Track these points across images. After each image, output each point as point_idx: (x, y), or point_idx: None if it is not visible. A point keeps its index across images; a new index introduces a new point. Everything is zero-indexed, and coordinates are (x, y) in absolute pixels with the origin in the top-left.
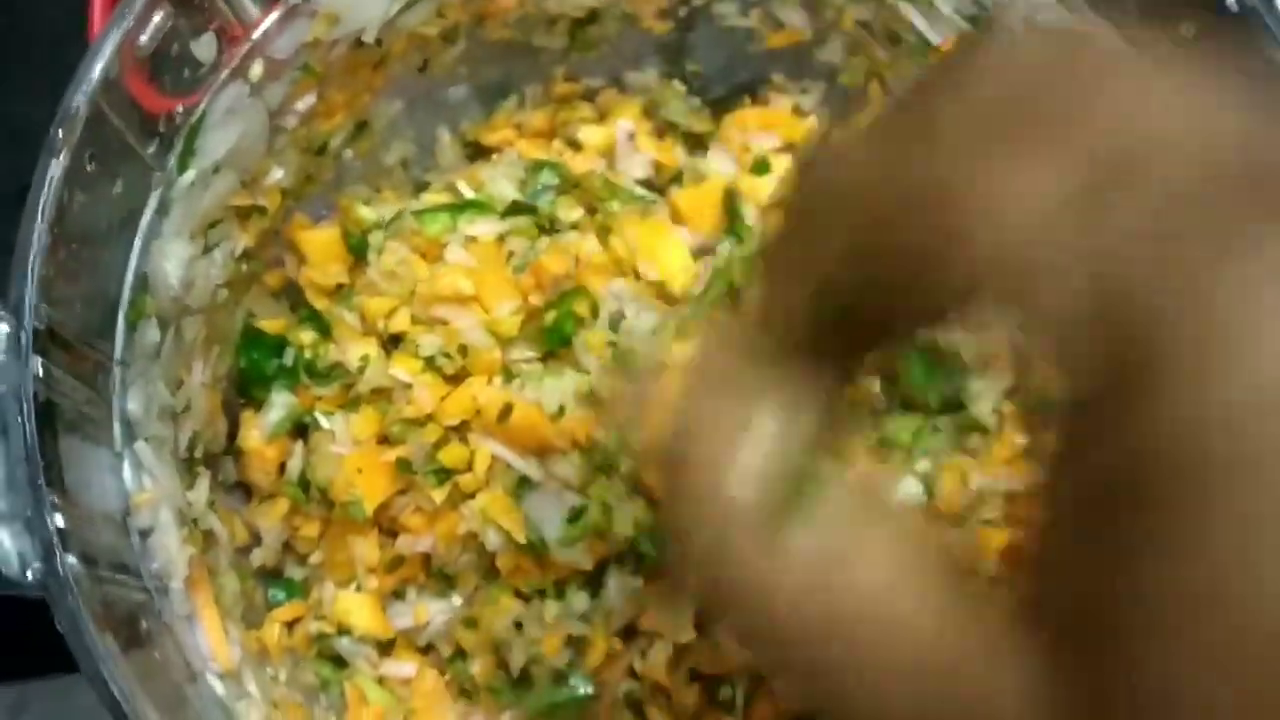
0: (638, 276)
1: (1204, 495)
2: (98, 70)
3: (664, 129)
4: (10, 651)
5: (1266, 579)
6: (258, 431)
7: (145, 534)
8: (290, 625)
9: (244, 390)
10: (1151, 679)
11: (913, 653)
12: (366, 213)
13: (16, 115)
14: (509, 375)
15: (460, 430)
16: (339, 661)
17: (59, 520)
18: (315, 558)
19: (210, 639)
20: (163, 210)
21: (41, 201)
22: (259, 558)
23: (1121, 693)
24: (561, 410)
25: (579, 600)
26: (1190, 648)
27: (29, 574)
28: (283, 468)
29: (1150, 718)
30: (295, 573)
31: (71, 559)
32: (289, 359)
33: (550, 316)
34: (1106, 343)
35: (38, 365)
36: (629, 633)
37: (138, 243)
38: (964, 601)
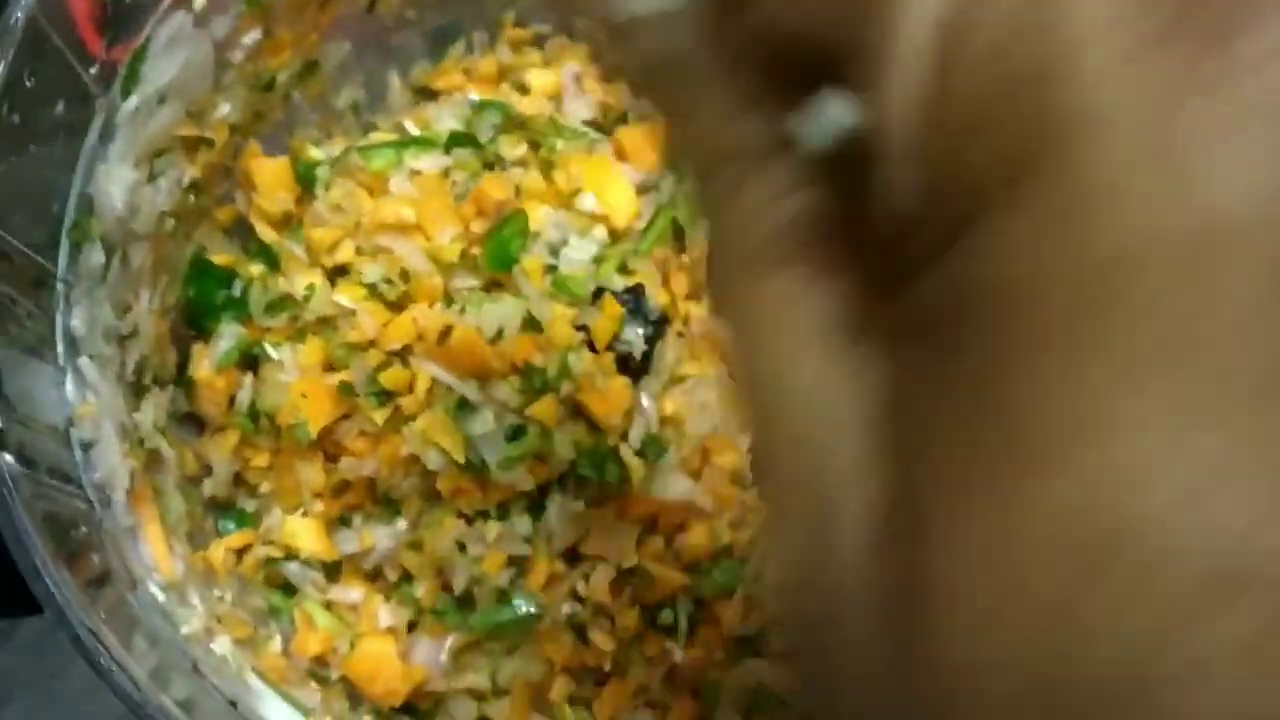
0: (579, 210)
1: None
2: None
3: (612, 72)
4: None
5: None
6: (207, 362)
7: (88, 446)
8: (239, 553)
9: (193, 321)
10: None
11: (798, 429)
12: (316, 153)
13: None
14: (450, 301)
15: (402, 355)
16: (288, 589)
17: None
18: (266, 486)
19: (153, 551)
20: (107, 134)
21: None
22: (210, 488)
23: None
24: (500, 334)
25: (521, 522)
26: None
27: None
28: (233, 401)
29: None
30: (247, 504)
31: (8, 457)
32: (237, 290)
33: (497, 237)
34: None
35: None
36: (572, 556)
37: (81, 165)
38: (849, 383)
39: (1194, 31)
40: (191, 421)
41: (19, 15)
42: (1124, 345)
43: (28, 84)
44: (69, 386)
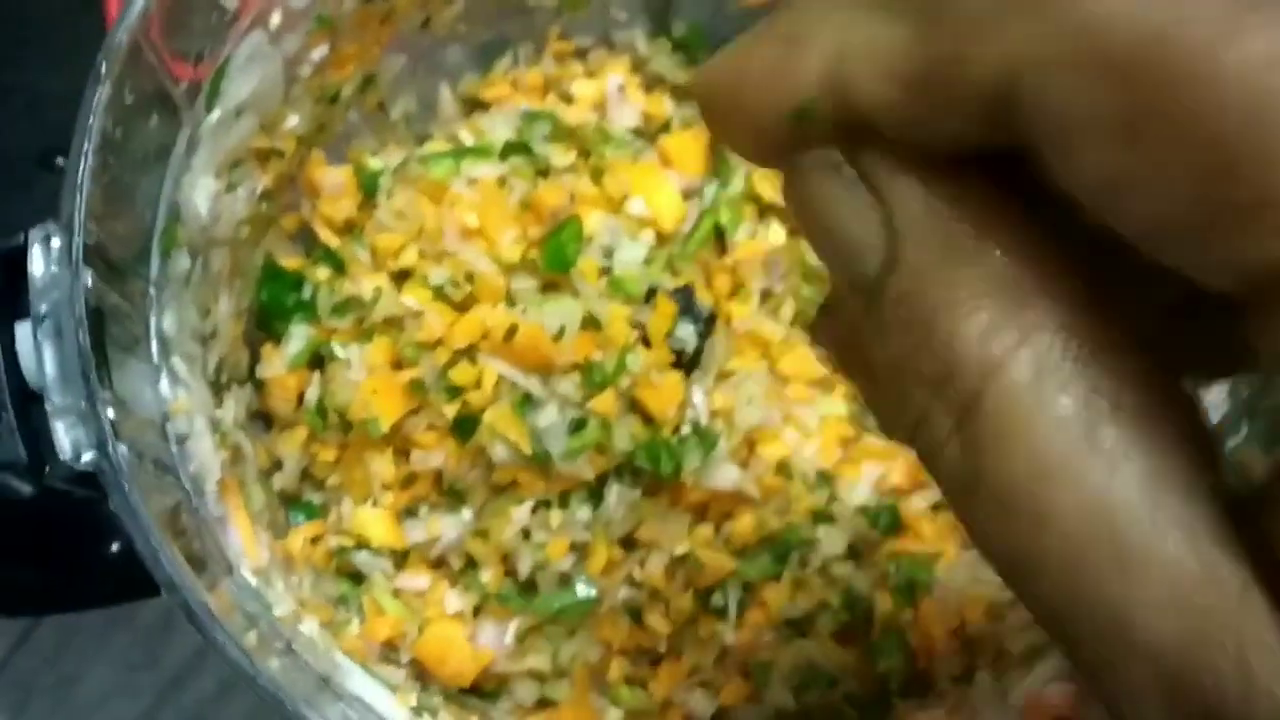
0: (629, 214)
1: None
2: (137, 8)
3: (652, 82)
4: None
5: None
6: (279, 361)
7: (182, 440)
8: (312, 541)
9: (264, 324)
10: None
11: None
12: (375, 163)
13: (33, 84)
14: (512, 302)
15: (468, 353)
16: (357, 577)
17: (111, 413)
18: (333, 480)
19: (242, 538)
20: (191, 147)
21: (89, 125)
22: (279, 482)
23: None
24: (562, 332)
25: (582, 510)
26: None
27: (83, 460)
28: (301, 398)
29: None
30: (314, 497)
31: (124, 448)
32: (307, 293)
33: (554, 241)
34: None
35: (88, 277)
36: (628, 544)
37: (169, 175)
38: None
39: None
40: (260, 419)
41: (122, 36)
42: None
43: (128, 101)
44: (163, 384)
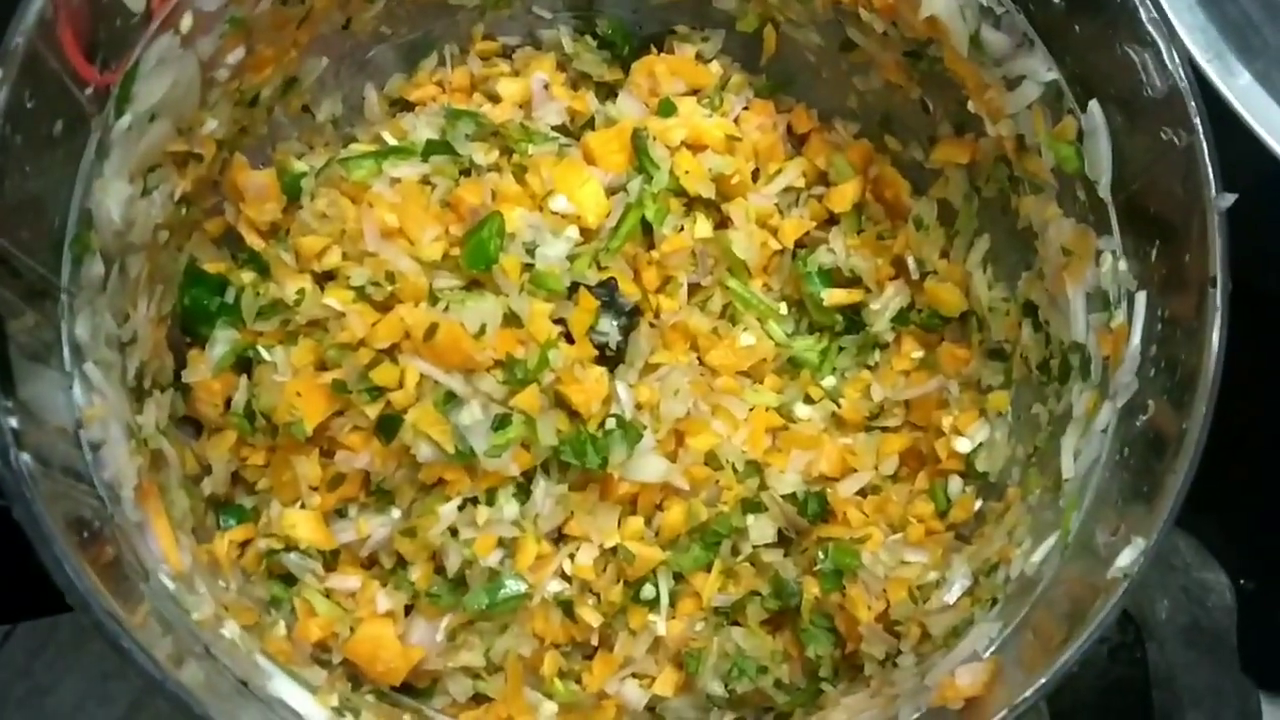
0: (552, 211)
1: None
2: (33, 11)
3: (577, 80)
4: None
5: None
6: (204, 366)
7: (96, 446)
8: (241, 545)
9: (188, 328)
10: None
11: None
12: (300, 165)
13: None
14: (434, 301)
15: (391, 353)
16: (288, 579)
17: (12, 422)
18: (263, 484)
19: (161, 544)
20: (103, 152)
21: None
22: (209, 487)
23: None
24: (483, 329)
25: (509, 507)
26: None
27: None
28: (229, 403)
29: None
30: (246, 501)
31: (26, 456)
32: (230, 297)
33: (476, 239)
34: None
35: None
36: (558, 538)
37: (80, 181)
38: None
39: None
40: (189, 424)
41: (19, 40)
42: None
43: (28, 105)
44: (76, 391)
